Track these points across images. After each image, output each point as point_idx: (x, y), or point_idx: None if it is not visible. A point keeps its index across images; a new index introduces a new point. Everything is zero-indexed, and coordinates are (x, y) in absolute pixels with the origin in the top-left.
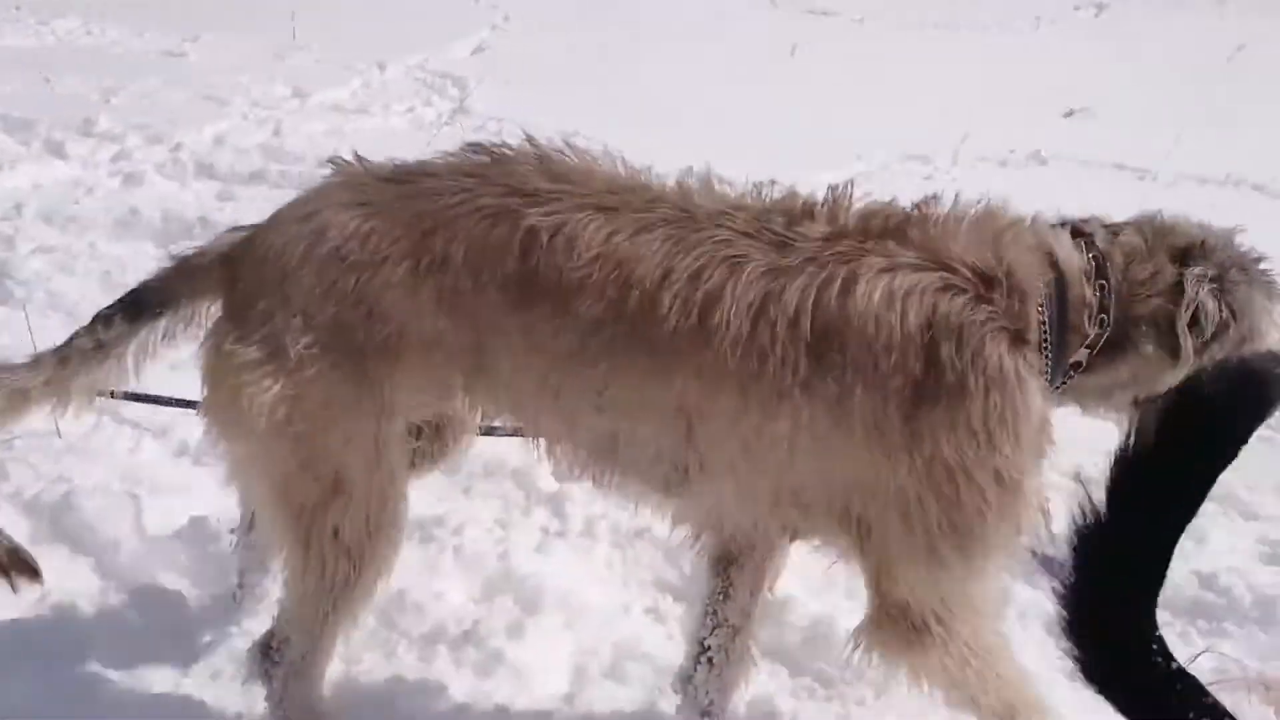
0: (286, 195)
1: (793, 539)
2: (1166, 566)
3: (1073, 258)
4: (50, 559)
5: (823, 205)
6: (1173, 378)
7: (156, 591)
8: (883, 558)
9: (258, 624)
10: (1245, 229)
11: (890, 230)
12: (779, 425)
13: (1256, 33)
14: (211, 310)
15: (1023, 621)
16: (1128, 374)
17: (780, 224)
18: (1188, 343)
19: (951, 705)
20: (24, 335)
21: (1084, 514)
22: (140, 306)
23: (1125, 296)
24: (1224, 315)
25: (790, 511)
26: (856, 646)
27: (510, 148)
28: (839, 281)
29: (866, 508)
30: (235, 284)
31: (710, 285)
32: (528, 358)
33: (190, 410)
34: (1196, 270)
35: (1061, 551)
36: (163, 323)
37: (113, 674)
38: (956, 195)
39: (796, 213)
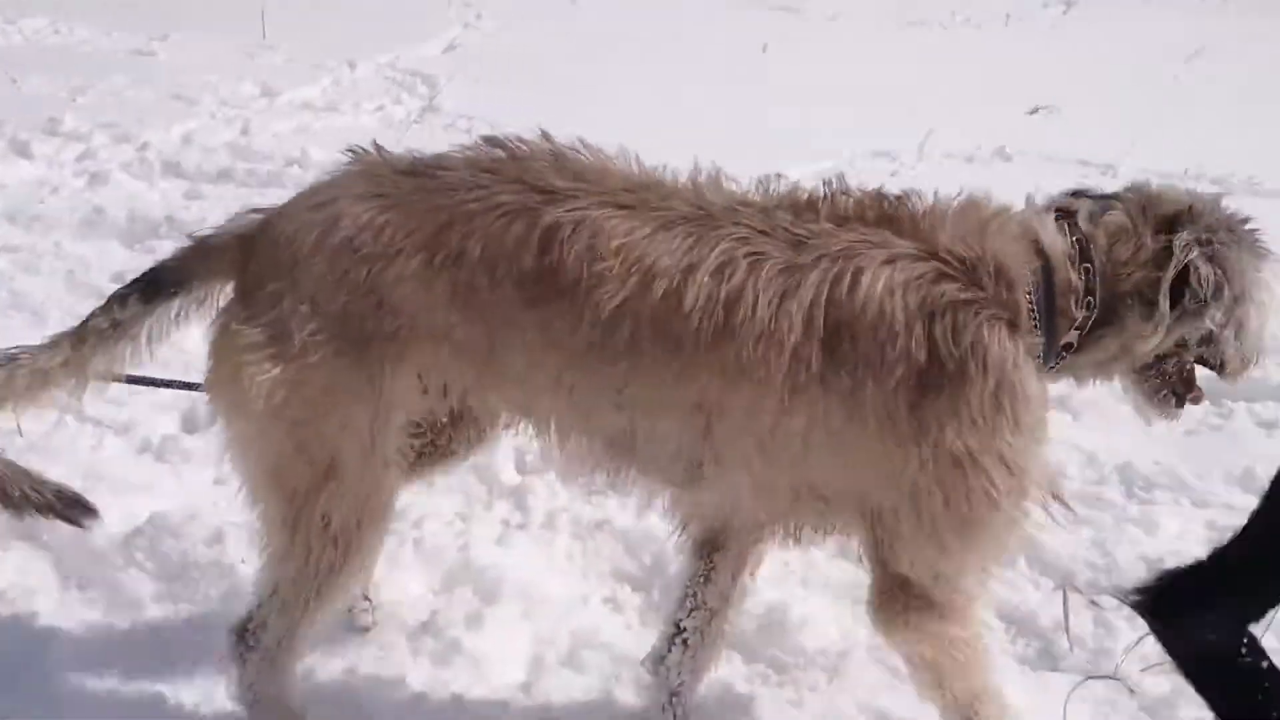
0: (254, 194)
1: (804, 534)
2: None
3: (1057, 243)
4: (9, 556)
5: (823, 200)
6: (1155, 341)
7: (116, 588)
8: (890, 539)
9: (217, 619)
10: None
11: (885, 218)
12: (796, 421)
13: (1216, 33)
14: (226, 292)
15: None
16: (1117, 348)
17: (788, 220)
18: (1165, 303)
19: (921, 685)
20: None
21: None
22: (156, 286)
23: (1110, 276)
24: (1217, 276)
25: (813, 505)
26: (871, 616)
27: (526, 143)
28: (848, 277)
29: (882, 498)
30: (247, 266)
31: (733, 283)
32: (543, 354)
33: (171, 399)
34: (1185, 236)
35: None
36: (177, 303)
37: (71, 669)
38: (936, 190)
39: (801, 206)
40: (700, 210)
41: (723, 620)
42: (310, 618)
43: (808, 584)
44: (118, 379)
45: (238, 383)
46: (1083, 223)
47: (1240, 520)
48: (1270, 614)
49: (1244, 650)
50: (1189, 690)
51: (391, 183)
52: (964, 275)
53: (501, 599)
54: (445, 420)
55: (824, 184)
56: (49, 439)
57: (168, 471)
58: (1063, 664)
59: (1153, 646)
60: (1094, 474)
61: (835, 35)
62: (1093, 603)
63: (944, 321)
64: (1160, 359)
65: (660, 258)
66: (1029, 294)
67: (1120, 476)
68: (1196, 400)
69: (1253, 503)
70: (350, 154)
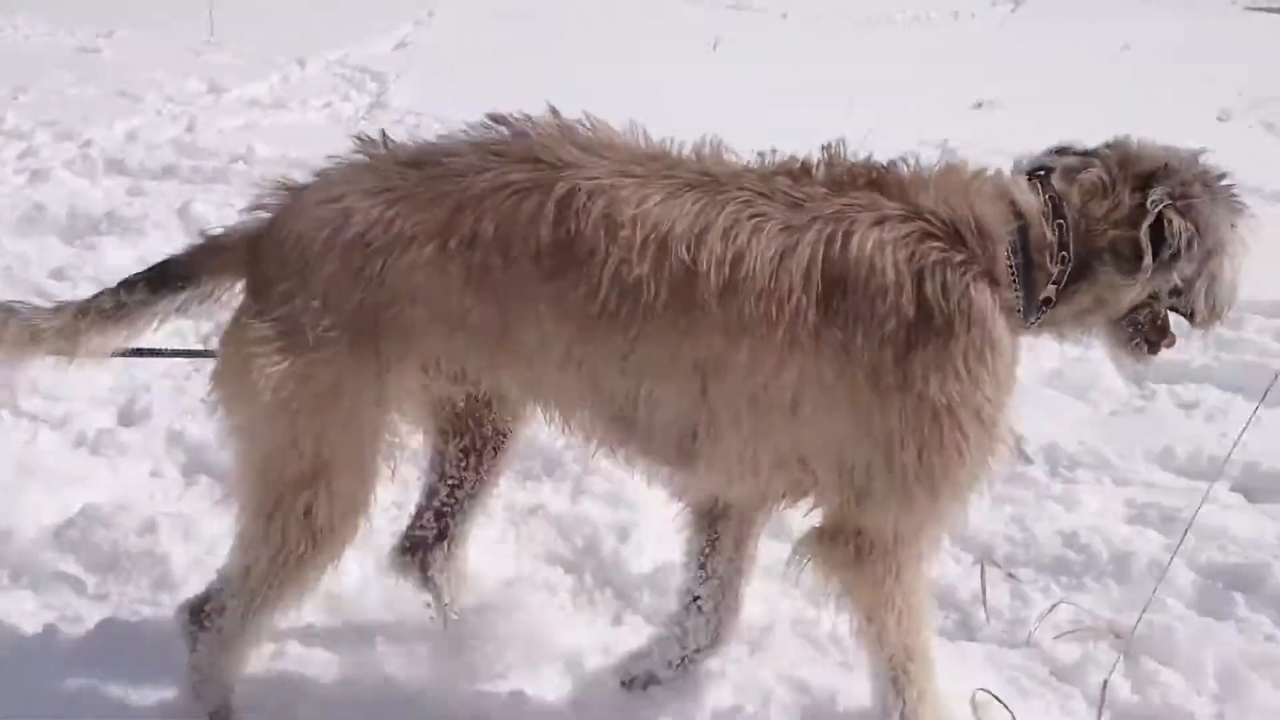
0: (198, 190)
1: (784, 503)
2: None
3: (1031, 202)
4: None
5: (818, 166)
6: (1133, 293)
7: (47, 579)
8: (860, 497)
9: (151, 609)
10: (1211, 150)
11: (873, 184)
12: (789, 374)
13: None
14: (234, 290)
15: None
16: (1092, 300)
17: (787, 184)
18: (1148, 255)
19: (859, 636)
20: None
21: None
22: (165, 278)
23: (1084, 231)
24: (1190, 230)
25: (793, 471)
26: (798, 554)
27: (531, 119)
28: (840, 237)
29: (857, 455)
30: (257, 265)
31: (738, 243)
32: (557, 327)
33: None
34: (1159, 190)
35: None
36: (183, 296)
37: (5, 659)
38: (918, 157)
39: (796, 172)
40: (707, 176)
41: (737, 589)
42: (269, 607)
43: None
44: (123, 353)
45: (246, 374)
46: (1056, 181)
47: (1158, 498)
48: None
49: None
50: (1098, 656)
51: (398, 175)
52: (947, 234)
53: None
54: (473, 415)
55: (822, 148)
56: None
57: (103, 465)
58: (979, 634)
59: (1064, 615)
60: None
61: (785, 32)
62: (1010, 575)
63: (932, 277)
64: (1134, 309)
65: (674, 223)
66: (1008, 251)
67: (1045, 456)
68: (1170, 345)
69: (1171, 480)
70: (357, 142)
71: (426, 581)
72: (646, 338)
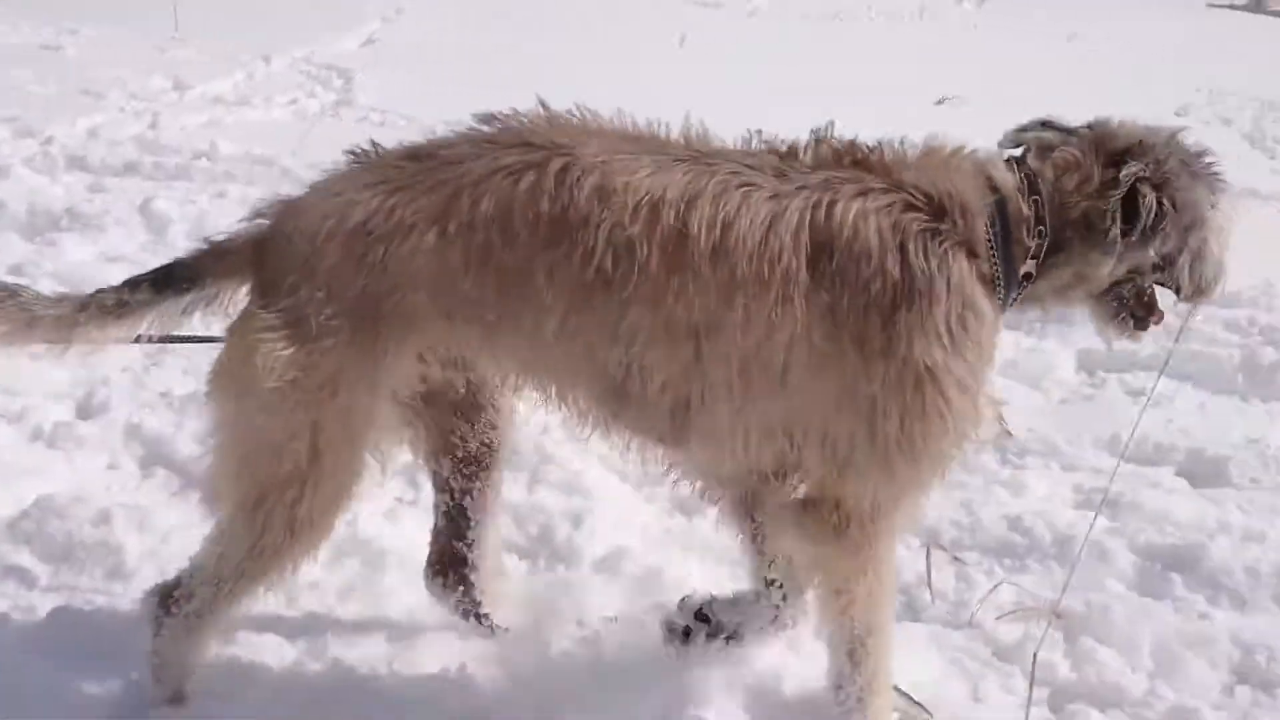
0: (160, 187)
1: (770, 480)
2: None
3: (1008, 179)
4: None
5: (805, 149)
6: (1108, 268)
7: (3, 570)
8: (841, 469)
9: (106, 599)
10: (1190, 129)
11: (858, 162)
12: (780, 336)
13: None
14: (238, 294)
15: None
16: (1071, 275)
17: (774, 161)
18: (1115, 231)
19: (824, 608)
20: None
21: None
22: (169, 279)
23: (1058, 205)
24: (1163, 206)
25: (779, 443)
26: (774, 521)
27: (520, 113)
28: (825, 204)
29: (840, 426)
30: (264, 264)
31: (729, 208)
32: (553, 298)
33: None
34: (1130, 167)
35: None
36: (187, 298)
37: None
38: (902, 138)
39: (783, 153)
40: (695, 153)
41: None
42: (238, 596)
43: (688, 548)
44: (133, 340)
45: (250, 362)
46: (1031, 159)
47: (1104, 484)
48: None
49: None
50: (1038, 636)
51: (395, 168)
52: (929, 207)
53: (386, 568)
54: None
55: (811, 133)
56: None
57: (60, 457)
58: (924, 615)
59: (1006, 596)
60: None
61: (752, 29)
62: (956, 559)
63: (915, 244)
64: (1117, 284)
65: (666, 190)
66: (987, 225)
67: (995, 443)
68: (1159, 322)
69: (1118, 466)
70: (350, 155)
71: (466, 598)
72: (639, 301)
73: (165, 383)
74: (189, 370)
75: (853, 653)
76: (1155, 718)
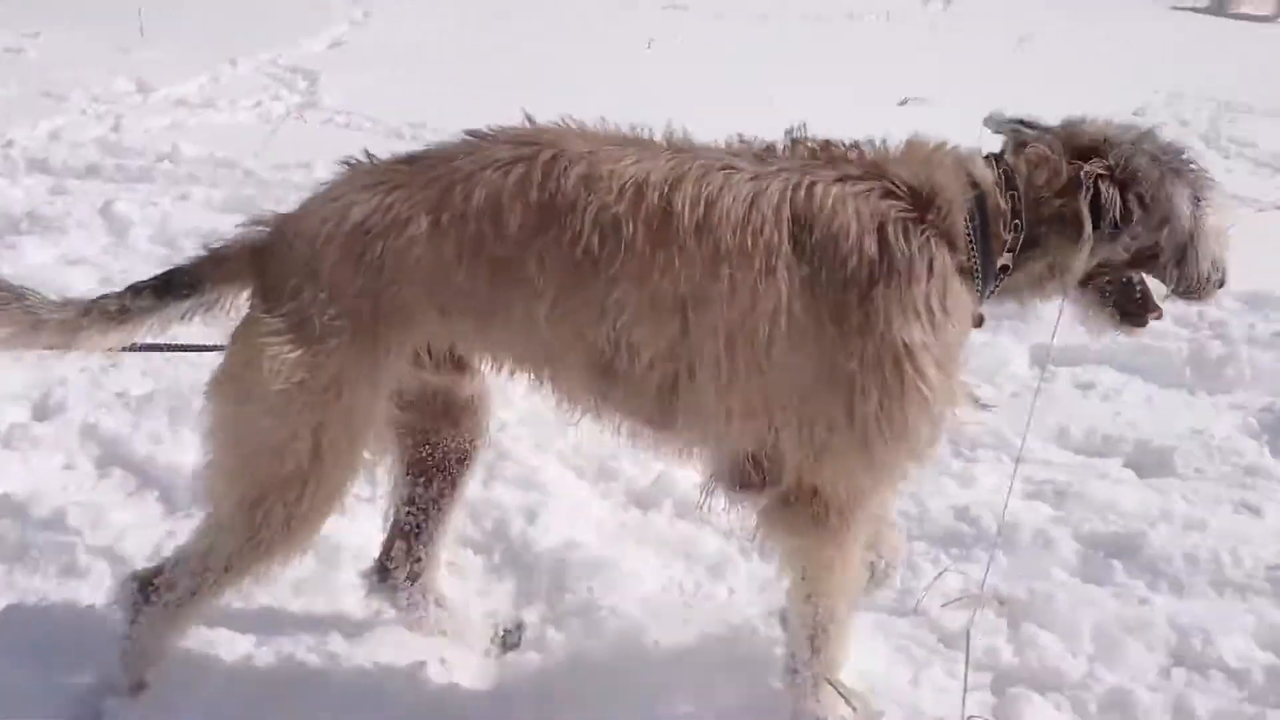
0: (122, 189)
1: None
2: None
3: (986, 174)
4: None
5: (784, 148)
6: (1082, 258)
7: None
8: (819, 452)
9: (58, 597)
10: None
11: (837, 158)
12: (764, 307)
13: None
14: (238, 299)
15: None
16: (1044, 268)
17: (753, 154)
18: (1088, 223)
19: (793, 596)
20: None
21: None
22: (170, 285)
23: (1032, 200)
24: (1128, 202)
25: (759, 422)
26: (759, 527)
27: (505, 127)
28: (804, 187)
29: (818, 408)
30: (265, 269)
31: (711, 187)
32: (543, 281)
33: (22, 389)
34: (1092, 164)
35: None
36: (187, 304)
37: None
38: (883, 139)
39: (762, 151)
40: (679, 150)
41: None
42: (222, 588)
43: (643, 543)
44: (127, 348)
45: (256, 365)
46: (1008, 155)
47: (1053, 475)
48: None
49: None
50: (981, 622)
51: (392, 171)
52: (909, 196)
53: (341, 564)
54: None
55: (785, 133)
56: None
57: (16, 458)
58: (870, 604)
59: (951, 583)
60: None
61: (718, 32)
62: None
63: (895, 228)
64: (1093, 277)
65: (650, 173)
66: (965, 218)
67: (947, 436)
68: (1158, 317)
69: (1067, 458)
70: (345, 165)
71: (402, 602)
72: (626, 277)
73: (122, 383)
74: (147, 371)
75: (814, 638)
76: (1093, 700)
